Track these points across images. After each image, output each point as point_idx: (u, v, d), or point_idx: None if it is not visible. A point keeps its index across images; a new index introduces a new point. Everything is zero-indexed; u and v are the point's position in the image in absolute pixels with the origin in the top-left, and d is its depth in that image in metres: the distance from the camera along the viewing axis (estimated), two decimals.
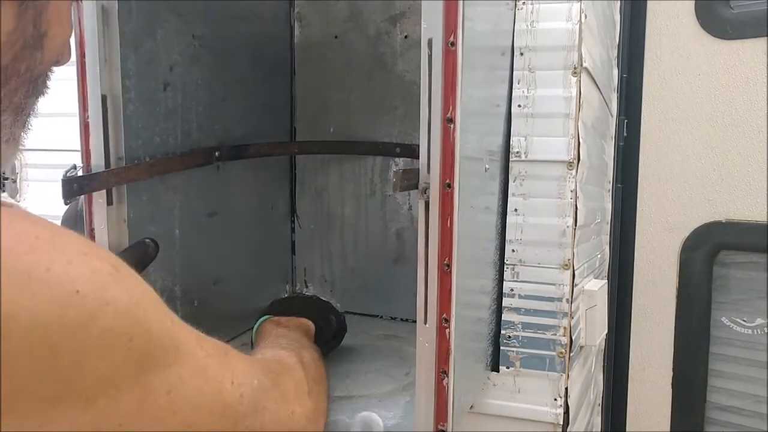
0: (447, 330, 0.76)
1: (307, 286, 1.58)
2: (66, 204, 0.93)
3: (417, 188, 0.74)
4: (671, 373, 1.41)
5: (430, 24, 0.72)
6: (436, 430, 0.77)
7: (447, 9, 0.71)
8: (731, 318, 1.37)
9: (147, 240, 0.99)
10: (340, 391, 1.07)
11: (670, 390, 1.42)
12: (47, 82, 0.61)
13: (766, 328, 1.35)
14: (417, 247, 0.72)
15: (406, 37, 1.42)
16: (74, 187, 0.91)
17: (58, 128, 1.65)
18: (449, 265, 0.75)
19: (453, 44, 0.71)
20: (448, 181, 0.73)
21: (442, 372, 0.77)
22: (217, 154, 1.23)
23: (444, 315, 0.76)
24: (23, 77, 0.56)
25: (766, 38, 1.26)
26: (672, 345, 1.41)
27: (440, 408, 0.77)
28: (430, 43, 0.72)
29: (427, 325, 0.76)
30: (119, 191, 1.00)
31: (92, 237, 0.99)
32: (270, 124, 1.45)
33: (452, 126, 0.72)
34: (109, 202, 0.98)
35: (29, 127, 0.59)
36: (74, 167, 0.95)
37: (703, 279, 1.37)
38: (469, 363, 0.87)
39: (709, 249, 1.36)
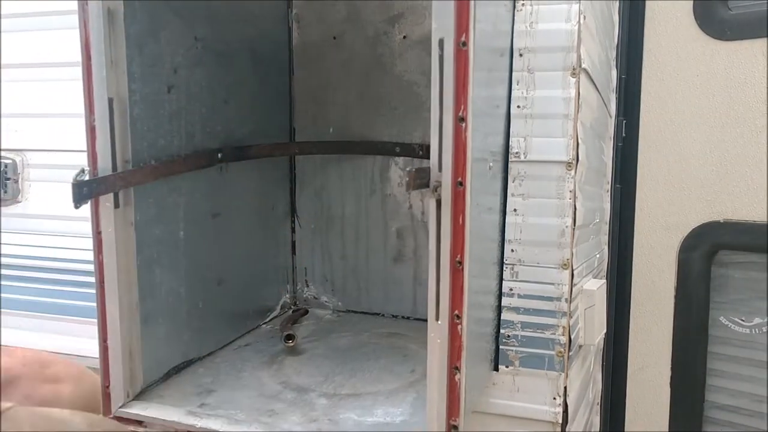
0: (459, 326, 0.77)
1: (308, 286, 1.59)
2: (76, 208, 0.93)
3: (428, 187, 0.75)
4: (670, 372, 1.42)
5: (441, 24, 0.72)
6: (449, 426, 0.78)
7: (459, 9, 0.72)
8: (729, 317, 1.38)
9: None
10: (347, 389, 1.08)
11: (669, 389, 1.42)
12: None
13: (764, 328, 1.35)
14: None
15: (404, 37, 1.43)
16: (84, 190, 0.91)
17: (60, 129, 1.65)
18: (461, 263, 0.76)
19: (465, 44, 0.72)
20: (459, 179, 0.74)
21: (454, 368, 0.78)
22: (219, 155, 1.24)
23: (456, 311, 0.77)
24: None
25: (764, 39, 1.27)
26: (670, 344, 1.41)
27: (453, 404, 0.78)
28: (441, 43, 0.73)
29: (439, 322, 0.77)
30: (126, 194, 1.00)
31: (99, 240, 0.98)
32: (270, 125, 1.45)
33: (464, 125, 0.73)
34: (116, 205, 0.98)
35: None
36: (82, 171, 0.95)
37: (701, 278, 1.37)
38: (477, 361, 0.88)
39: (708, 249, 1.37)
